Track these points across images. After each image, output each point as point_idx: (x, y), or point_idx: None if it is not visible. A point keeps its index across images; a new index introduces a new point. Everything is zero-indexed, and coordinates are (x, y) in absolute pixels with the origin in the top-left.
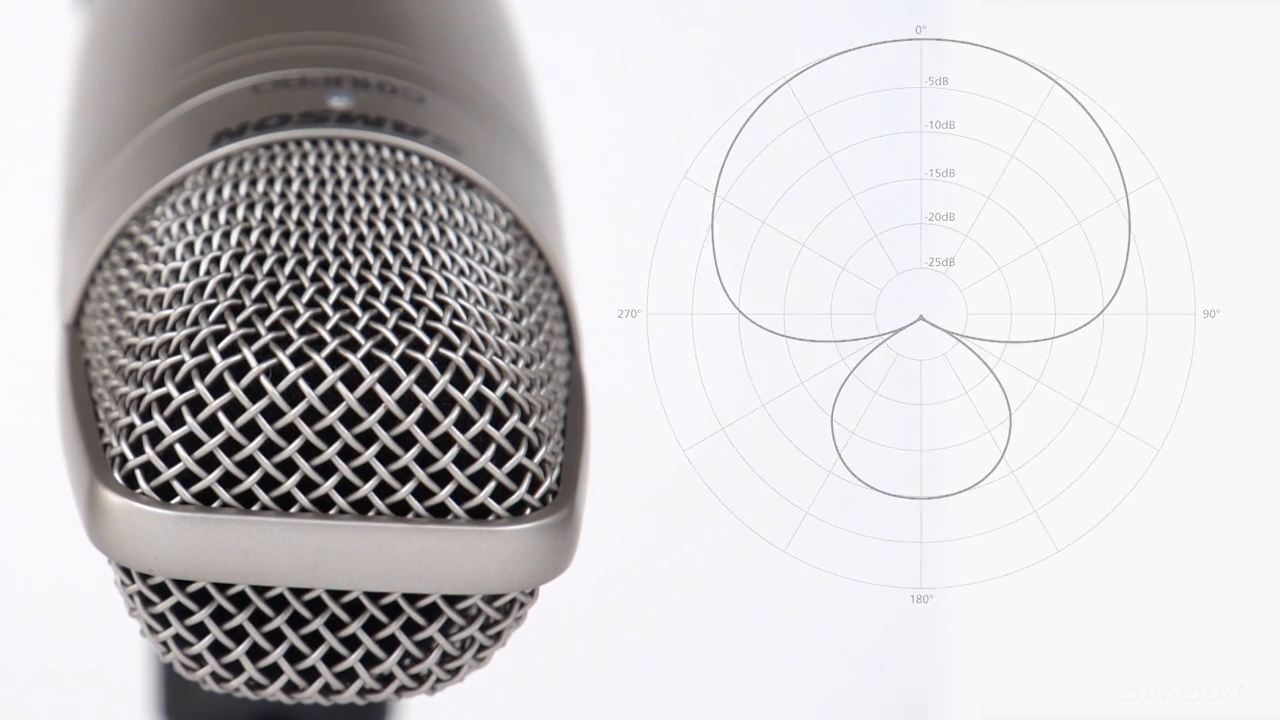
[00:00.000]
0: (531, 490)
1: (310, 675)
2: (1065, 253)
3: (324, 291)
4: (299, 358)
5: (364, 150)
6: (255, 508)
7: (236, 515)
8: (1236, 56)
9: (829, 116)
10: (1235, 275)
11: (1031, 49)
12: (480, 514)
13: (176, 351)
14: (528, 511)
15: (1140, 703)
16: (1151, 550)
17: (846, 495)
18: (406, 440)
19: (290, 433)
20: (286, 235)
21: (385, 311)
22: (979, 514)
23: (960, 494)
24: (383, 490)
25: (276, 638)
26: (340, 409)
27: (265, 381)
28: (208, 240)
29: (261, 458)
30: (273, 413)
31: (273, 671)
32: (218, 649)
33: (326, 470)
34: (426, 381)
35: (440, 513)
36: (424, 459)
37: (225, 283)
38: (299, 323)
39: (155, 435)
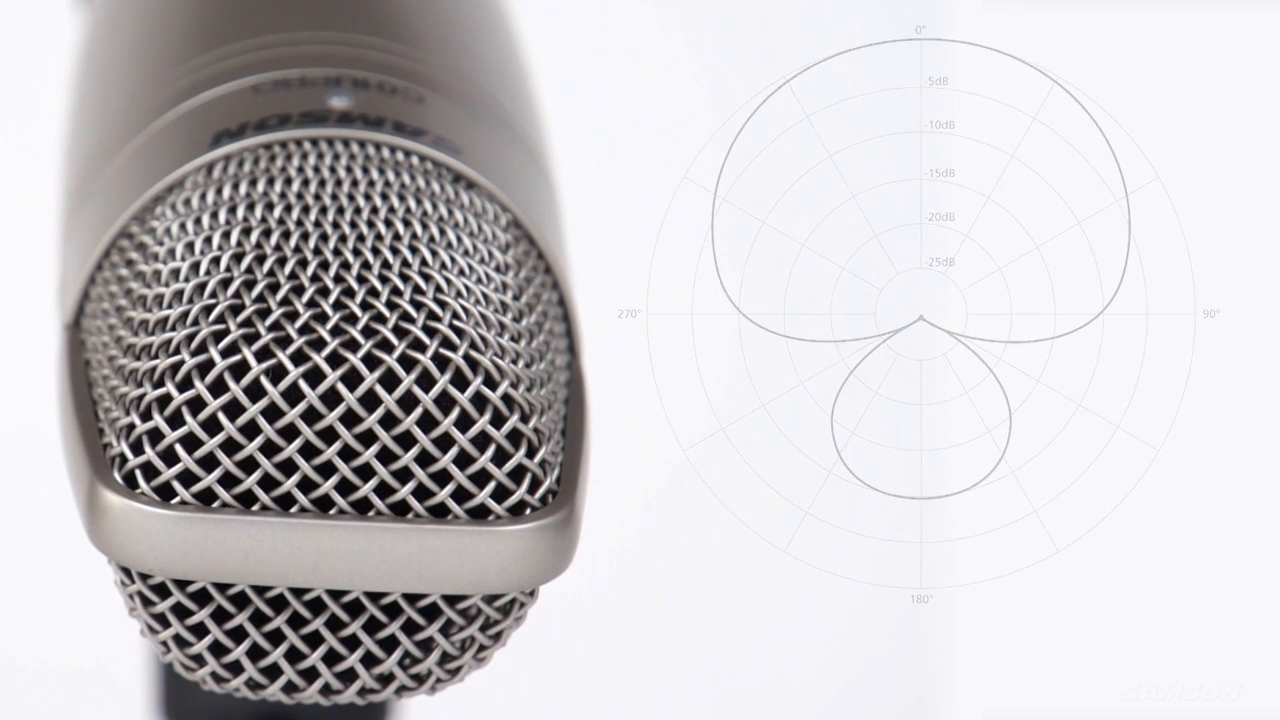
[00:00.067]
0: (531, 490)
1: (310, 675)
2: (1065, 253)
3: (324, 291)
4: (299, 358)
5: (364, 150)
6: (255, 508)
7: (236, 515)
8: (1236, 56)
9: (829, 116)
10: (1235, 275)
11: (1031, 49)
12: (480, 514)
13: (176, 351)
14: (528, 511)
15: (1140, 703)
16: (1151, 550)
17: (846, 495)
18: (406, 440)
19: (290, 433)
20: (286, 235)
21: (385, 311)
22: (979, 514)
23: (960, 494)
24: (383, 490)
25: (276, 638)
26: (340, 409)
27: (265, 381)
28: (208, 240)
29: (261, 458)
30: (273, 413)
31: (273, 671)
32: (218, 649)
33: (326, 470)
34: (426, 381)
35: (440, 513)
36: (424, 459)
37: (225, 283)
38: (299, 323)
39: (155, 435)
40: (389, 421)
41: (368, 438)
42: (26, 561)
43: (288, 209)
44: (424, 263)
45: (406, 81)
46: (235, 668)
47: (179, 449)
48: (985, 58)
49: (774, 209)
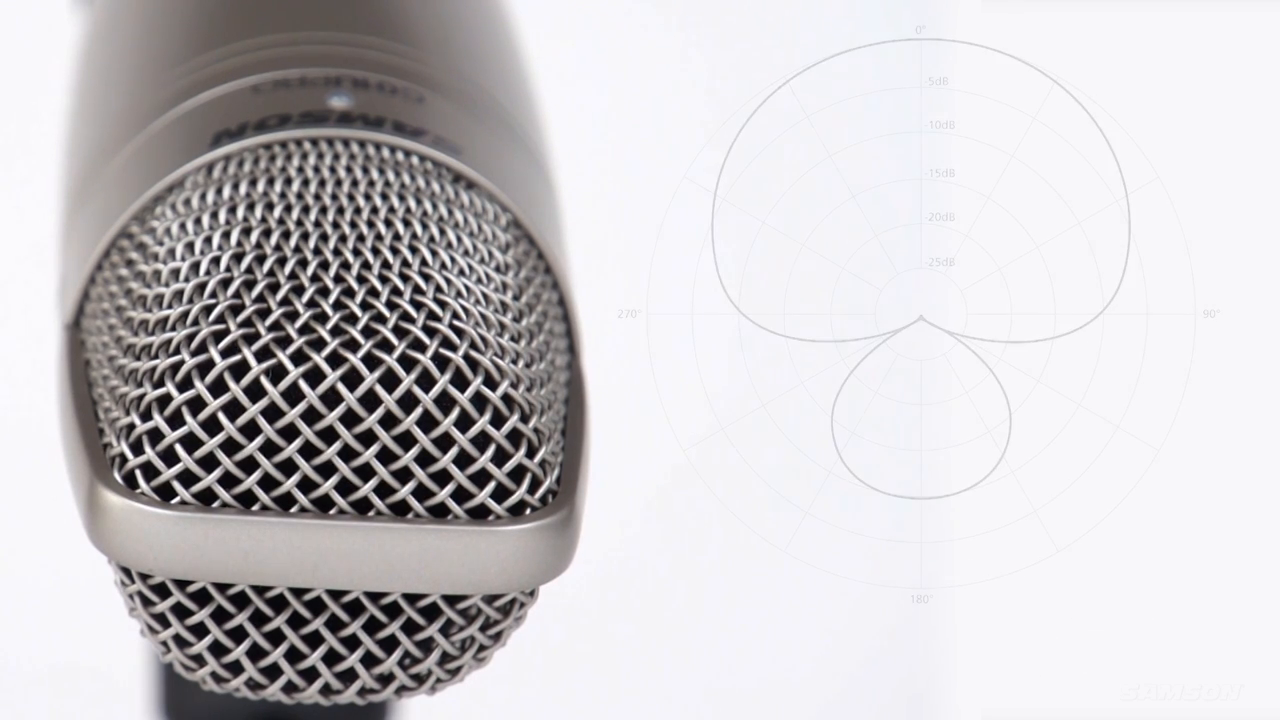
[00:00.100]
0: (531, 490)
1: (310, 675)
2: (1065, 253)
3: (324, 291)
4: (299, 358)
5: (364, 150)
6: (255, 508)
7: (236, 515)
8: (1236, 56)
9: (829, 116)
10: (1235, 275)
11: (1031, 49)
12: (480, 514)
13: (176, 351)
14: (528, 511)
15: (1140, 703)
16: (1151, 550)
17: (846, 495)
18: (406, 440)
19: (290, 433)
20: (286, 235)
21: (385, 311)
22: (979, 514)
23: (960, 494)
24: (383, 490)
25: (276, 638)
26: (340, 409)
27: (265, 381)
28: (208, 240)
29: (261, 458)
30: (273, 413)
31: (273, 671)
32: (218, 649)
33: (326, 470)
34: (426, 381)
35: (440, 513)
36: (424, 459)
37: (225, 283)
38: (299, 323)
39: (155, 435)
40: (389, 421)
41: (368, 438)
42: (26, 561)
43: (288, 209)
44: (424, 263)
45: (406, 81)
46: (235, 668)
47: (179, 449)
48: (985, 58)
49: (774, 209)
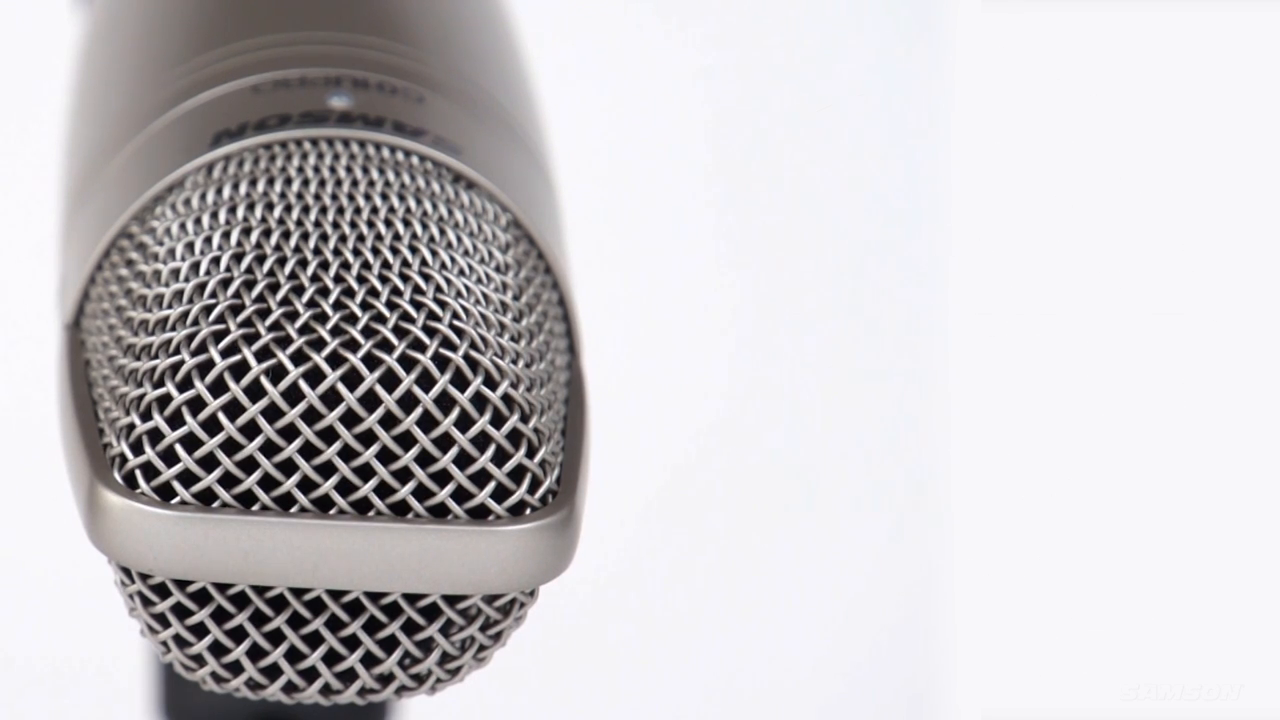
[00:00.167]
0: (531, 490)
1: (310, 675)
2: (1065, 252)
3: (324, 291)
4: (299, 358)
5: (364, 150)
6: (255, 508)
7: (236, 515)
8: (1236, 57)
9: (829, 117)
10: (1235, 275)
11: (1031, 49)
12: (480, 514)
13: (176, 351)
14: (528, 511)
15: (1140, 703)
16: (1151, 550)
17: (847, 495)
18: (406, 440)
19: (290, 433)
20: (286, 235)
21: (385, 311)
22: (979, 514)
23: (960, 494)
24: (383, 490)
25: (276, 638)
26: (340, 409)
27: (265, 381)
28: (208, 240)
29: (261, 458)
30: (273, 413)
31: (273, 671)
32: (218, 649)
33: (326, 470)
34: (426, 381)
35: (440, 513)
36: (424, 459)
37: (225, 283)
38: (299, 323)
39: (155, 435)
40: (389, 421)
41: (368, 438)
42: (26, 561)
43: (288, 209)
44: (424, 263)
45: (406, 81)
46: (235, 668)
47: (179, 449)
48: (985, 58)
49: (774, 208)
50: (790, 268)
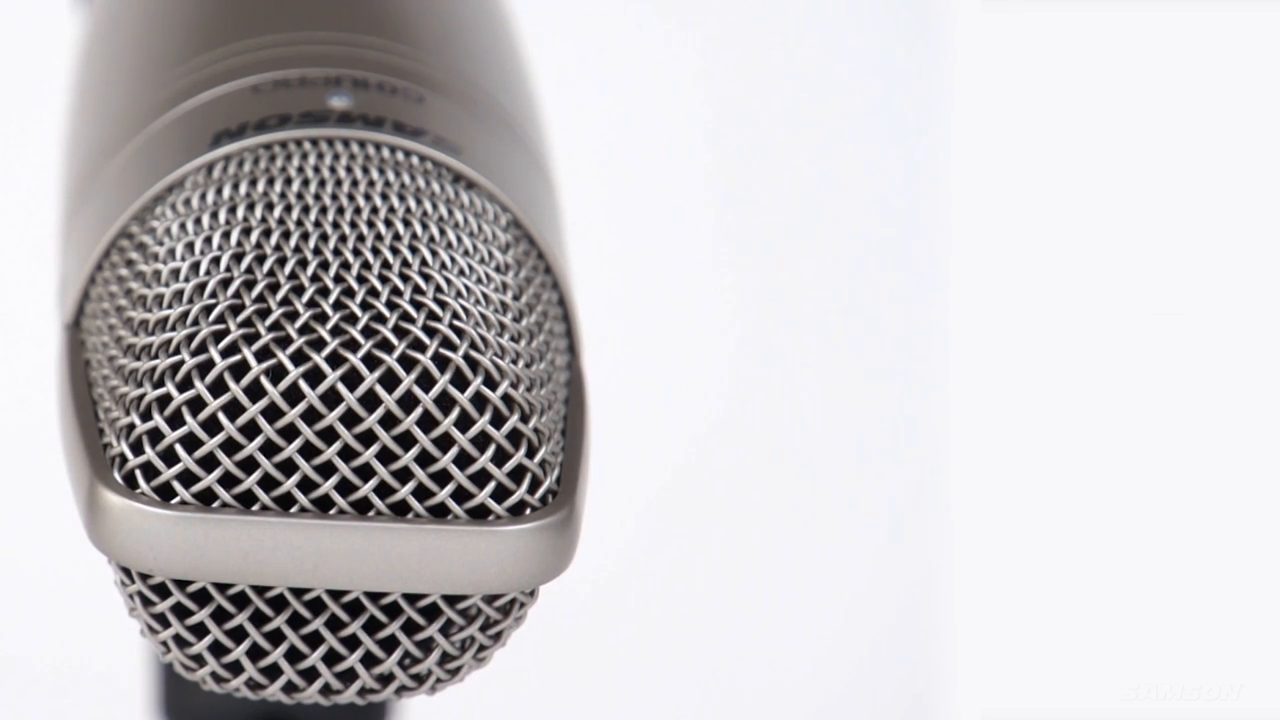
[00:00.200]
0: (531, 490)
1: (310, 675)
2: (1066, 252)
3: (324, 291)
4: (299, 358)
5: (364, 150)
6: (255, 508)
7: (236, 515)
8: (1236, 57)
9: (830, 117)
10: (1235, 275)
11: (1031, 49)
12: (480, 514)
13: (176, 351)
14: (528, 511)
15: (1140, 703)
16: (1151, 550)
17: (846, 495)
18: (406, 440)
19: (290, 433)
20: (286, 235)
21: (385, 311)
22: (979, 514)
23: (960, 494)
24: (383, 490)
25: (276, 638)
26: (340, 409)
27: (265, 381)
28: (208, 240)
29: (261, 458)
30: (273, 413)
31: (273, 671)
32: (218, 649)
33: (326, 470)
34: (426, 381)
35: (440, 513)
36: (424, 459)
37: (225, 283)
38: (299, 323)
39: (155, 435)
40: (389, 421)
41: (368, 438)
42: (26, 561)
43: (288, 209)
44: (424, 263)
45: (406, 81)
46: (235, 668)
47: (179, 449)
48: (985, 58)
49: (774, 208)
50: (790, 268)
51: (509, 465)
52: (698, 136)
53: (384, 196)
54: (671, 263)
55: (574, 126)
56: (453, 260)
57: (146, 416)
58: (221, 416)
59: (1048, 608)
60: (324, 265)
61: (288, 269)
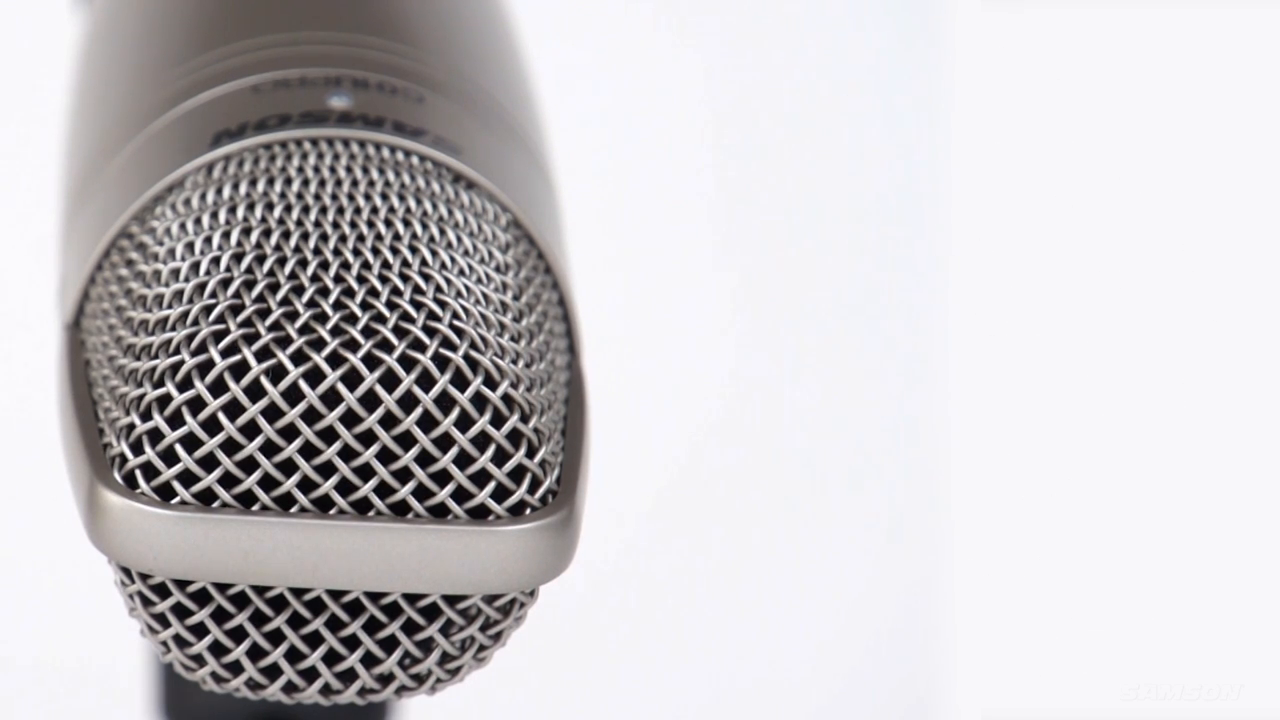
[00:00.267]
0: (531, 490)
1: (310, 675)
2: (1066, 252)
3: (324, 291)
4: (299, 358)
5: (364, 150)
6: (255, 508)
7: (236, 515)
8: (1236, 57)
9: (830, 117)
10: (1234, 275)
11: (1031, 49)
12: (480, 514)
13: (176, 351)
14: (528, 511)
15: (1140, 703)
16: (1151, 550)
17: (846, 495)
18: (406, 440)
19: (290, 433)
20: (286, 235)
21: (385, 311)
22: (979, 514)
23: (960, 494)
24: (383, 490)
25: (276, 638)
26: (340, 409)
27: (265, 382)
28: (208, 240)
29: (261, 458)
30: (273, 413)
31: (273, 671)
32: (218, 649)
33: (326, 470)
34: (426, 381)
35: (440, 513)
36: (424, 459)
37: (225, 283)
38: (299, 323)
39: (155, 435)
40: (389, 421)
41: (368, 438)
42: (26, 561)
43: (288, 209)
44: (424, 263)
45: (406, 81)
46: (235, 668)
47: (179, 449)
48: (985, 58)
49: (774, 208)
50: (790, 267)
51: (509, 465)
52: (697, 136)
53: (384, 196)
54: (671, 263)
55: (574, 126)
56: (453, 260)
57: (146, 416)
58: (221, 416)
59: (1048, 608)
60: (324, 265)
61: (288, 269)
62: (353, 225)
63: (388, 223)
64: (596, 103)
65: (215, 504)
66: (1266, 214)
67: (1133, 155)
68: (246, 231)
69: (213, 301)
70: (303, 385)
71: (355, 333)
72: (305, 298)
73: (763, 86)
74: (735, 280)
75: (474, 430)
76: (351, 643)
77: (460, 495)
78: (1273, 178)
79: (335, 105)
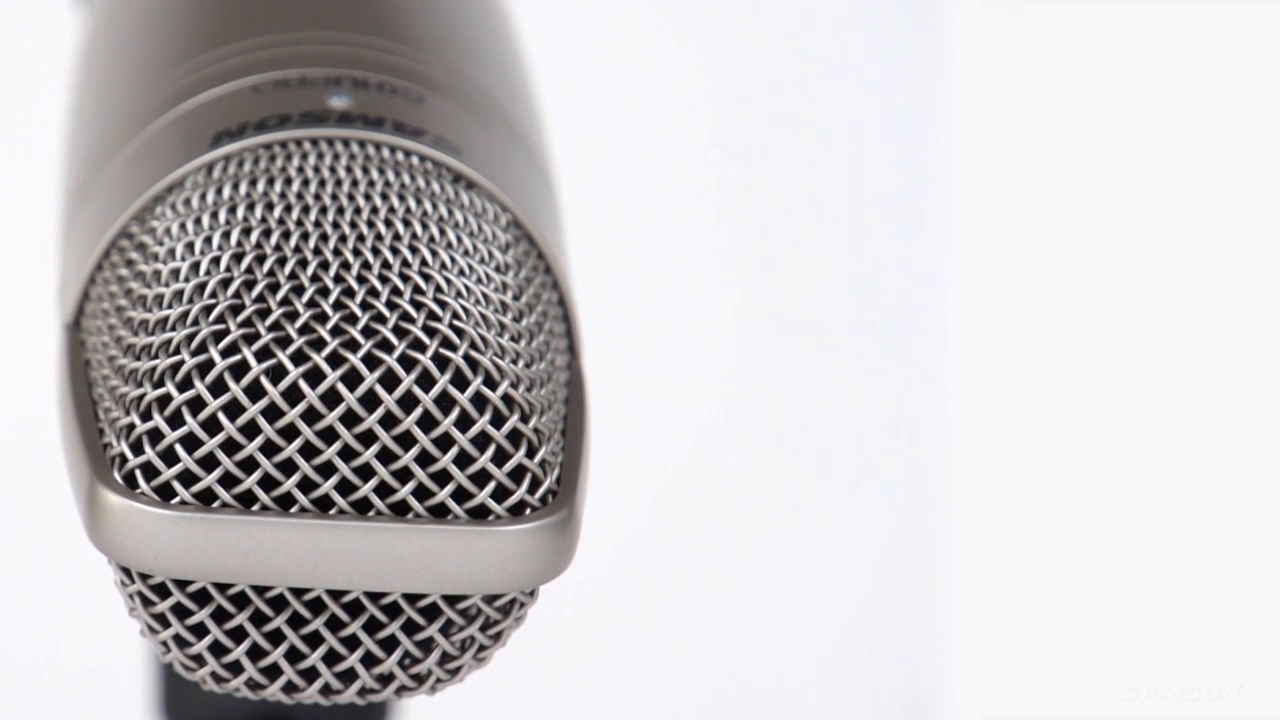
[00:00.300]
0: (531, 490)
1: (310, 675)
2: (1066, 252)
3: (324, 291)
4: (299, 358)
5: (364, 150)
6: (255, 508)
7: (236, 515)
8: (1236, 57)
9: (829, 116)
10: (1234, 275)
11: (1031, 49)
12: (480, 514)
13: (176, 351)
14: (528, 511)
15: (1140, 703)
16: (1151, 550)
17: (847, 495)
18: (406, 440)
19: (290, 433)
20: (286, 235)
21: (385, 311)
22: (979, 514)
23: (960, 494)
24: (383, 490)
25: (276, 638)
26: (340, 409)
27: (265, 381)
28: (208, 240)
29: (261, 458)
30: (273, 413)
31: (273, 671)
32: (218, 649)
33: (326, 470)
34: (426, 381)
35: (440, 513)
36: (424, 459)
37: (225, 283)
38: (299, 323)
39: (155, 435)
40: (389, 421)
41: (368, 438)
42: (26, 561)
43: (288, 209)
44: (424, 263)
45: (406, 81)
46: (235, 668)
47: (179, 449)
48: (985, 58)
49: (774, 207)
50: (790, 268)
51: (509, 465)
52: (697, 136)
53: (384, 196)
54: (671, 263)
55: (574, 126)
56: (452, 260)
57: (146, 416)
58: (221, 416)
59: (1048, 608)
60: (324, 265)
61: (288, 269)
62: (353, 225)
63: (388, 223)
64: (596, 103)
65: (215, 504)
66: (1266, 214)
67: (1133, 155)
68: (246, 231)
69: (213, 301)
70: (303, 385)
71: (355, 333)
72: (305, 298)
73: (763, 86)
74: (735, 280)
75: (474, 430)
76: (351, 643)
77: (460, 495)
78: (1273, 178)
79: (335, 105)
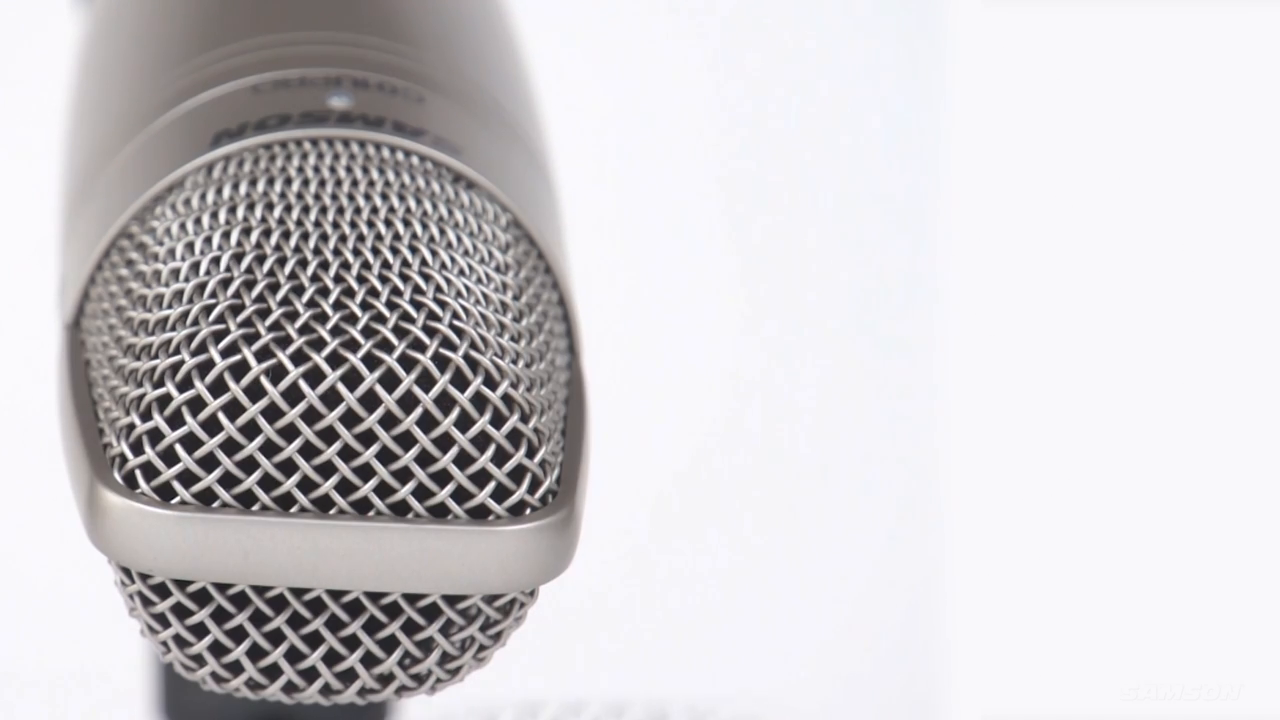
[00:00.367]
0: (531, 490)
1: (310, 675)
2: (1065, 252)
3: (324, 291)
4: (299, 358)
5: (364, 150)
6: (255, 508)
7: (236, 515)
8: (1236, 57)
9: (830, 117)
10: (1235, 275)
11: (1031, 49)
12: (480, 514)
13: (176, 351)
14: (528, 511)
15: (1140, 703)
16: (1151, 550)
17: (847, 495)
18: (406, 440)
19: (290, 433)
20: (286, 235)
21: (385, 311)
22: (979, 514)
23: (960, 494)
24: (383, 490)
25: (276, 638)
26: (340, 409)
27: (265, 381)
28: (208, 240)
29: (261, 458)
30: (273, 413)
31: (273, 671)
32: (218, 649)
33: (326, 470)
34: (426, 381)
35: (440, 513)
36: (424, 459)
37: (225, 283)
38: (299, 323)
39: (155, 435)
40: (389, 421)
41: (368, 438)
42: (26, 561)
43: (288, 209)
44: (424, 263)
45: (406, 81)
46: (235, 668)
47: (179, 449)
48: (985, 58)
49: (775, 208)
50: (790, 267)
51: (509, 465)
52: (697, 136)
53: (384, 196)
54: (672, 263)
55: (574, 126)
56: (452, 260)
57: (146, 416)
58: (221, 416)
59: (1047, 608)
60: (324, 265)
61: (288, 269)
62: (353, 225)
63: (388, 223)
64: (597, 103)
65: (215, 504)
66: (1266, 214)
67: (1133, 154)
68: (246, 231)
69: (213, 301)
70: (303, 385)
71: (355, 333)
72: (305, 298)
73: (763, 86)
74: (736, 280)
75: (474, 430)
76: (351, 643)
77: (460, 495)
78: (1272, 178)
79: (335, 105)
